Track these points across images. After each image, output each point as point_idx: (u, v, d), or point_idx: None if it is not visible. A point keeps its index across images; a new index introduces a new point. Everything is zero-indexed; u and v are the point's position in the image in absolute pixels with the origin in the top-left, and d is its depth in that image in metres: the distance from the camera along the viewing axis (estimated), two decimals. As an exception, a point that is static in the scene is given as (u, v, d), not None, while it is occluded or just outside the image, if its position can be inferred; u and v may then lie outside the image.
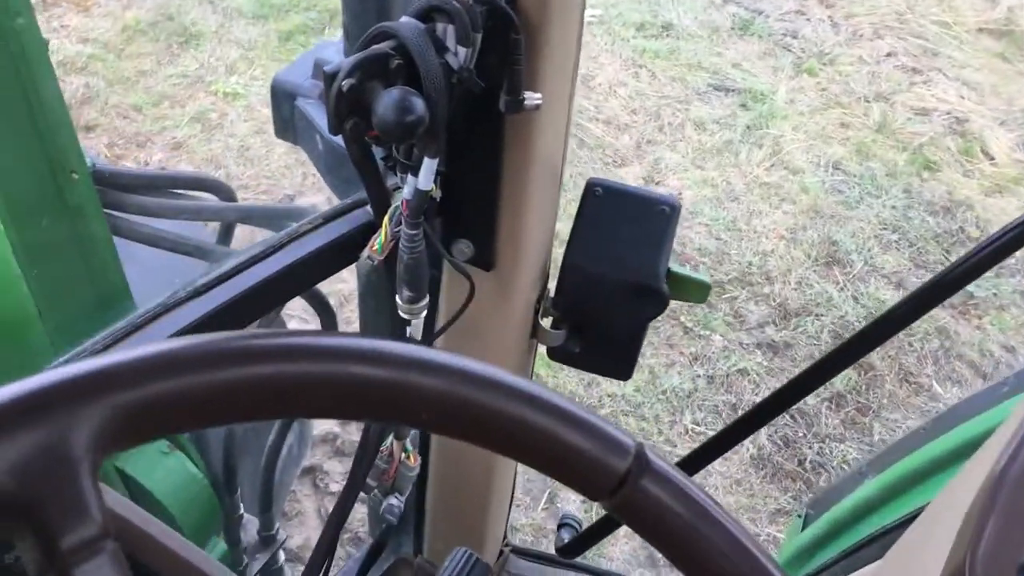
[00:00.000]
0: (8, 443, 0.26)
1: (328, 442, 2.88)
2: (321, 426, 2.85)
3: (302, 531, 2.53)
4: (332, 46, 1.10)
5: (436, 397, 0.33)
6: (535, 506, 2.74)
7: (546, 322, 1.02)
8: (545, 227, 0.97)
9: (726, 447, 1.10)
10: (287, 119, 1.09)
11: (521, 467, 2.83)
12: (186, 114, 3.88)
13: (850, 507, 1.26)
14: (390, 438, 1.03)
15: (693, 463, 1.11)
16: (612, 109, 3.95)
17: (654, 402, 2.95)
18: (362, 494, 1.06)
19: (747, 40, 4.36)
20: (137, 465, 1.13)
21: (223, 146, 3.75)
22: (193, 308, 0.76)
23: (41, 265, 0.98)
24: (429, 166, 0.76)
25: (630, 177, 3.64)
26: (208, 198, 1.15)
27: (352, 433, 2.80)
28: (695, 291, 0.99)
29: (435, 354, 0.33)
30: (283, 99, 1.09)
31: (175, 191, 1.11)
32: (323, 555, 1.11)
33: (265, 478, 1.32)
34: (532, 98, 0.78)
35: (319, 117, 1.05)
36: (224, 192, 1.15)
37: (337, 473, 2.76)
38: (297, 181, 3.54)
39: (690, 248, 3.34)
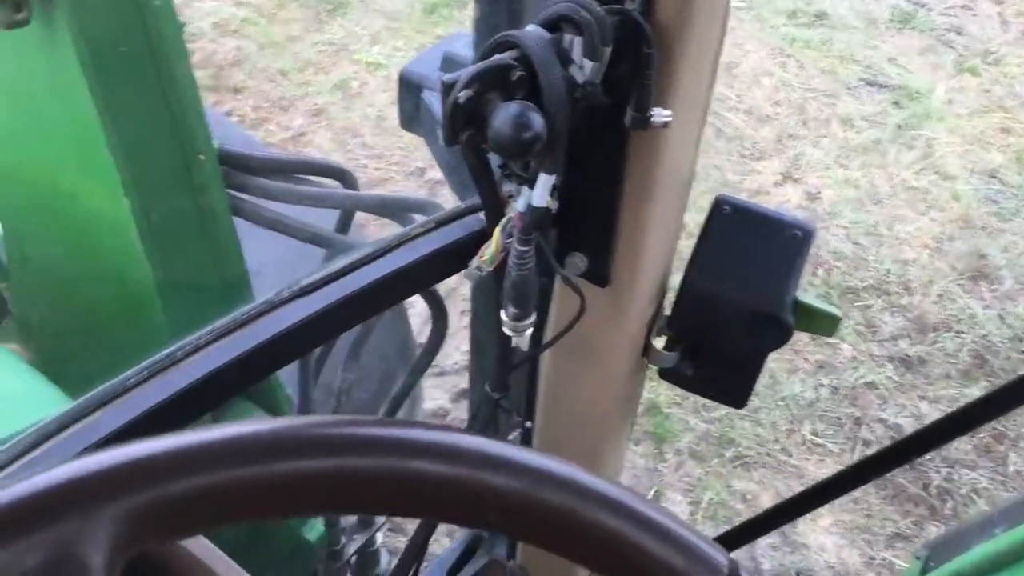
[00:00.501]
0: (20, 546, 0.23)
1: (439, 417, 2.91)
2: (433, 401, 2.88)
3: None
4: (463, 38, 1.08)
5: (506, 498, 0.30)
6: (640, 502, 2.70)
7: (659, 342, 0.98)
8: (666, 244, 0.93)
9: (813, 505, 1.03)
10: (412, 111, 1.08)
11: (627, 461, 2.79)
12: (329, 81, 3.96)
13: (976, 561, 1.17)
14: (489, 446, 1.01)
15: (771, 521, 1.05)
16: (754, 99, 3.81)
17: (772, 408, 2.84)
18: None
19: (906, 34, 4.12)
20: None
21: (361, 115, 3.81)
22: (298, 308, 0.76)
23: (162, 243, 0.99)
24: (545, 182, 0.72)
25: (767, 172, 3.50)
26: (332, 185, 1.15)
27: (464, 410, 2.81)
28: (823, 324, 0.93)
29: (506, 449, 0.30)
30: (410, 91, 1.08)
31: (299, 176, 1.12)
32: (415, 552, 1.10)
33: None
34: (661, 115, 0.73)
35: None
36: (348, 180, 1.15)
37: (445, 448, 2.77)
38: (429, 155, 3.56)
39: (825, 251, 3.19)
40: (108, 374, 0.70)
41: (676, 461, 2.77)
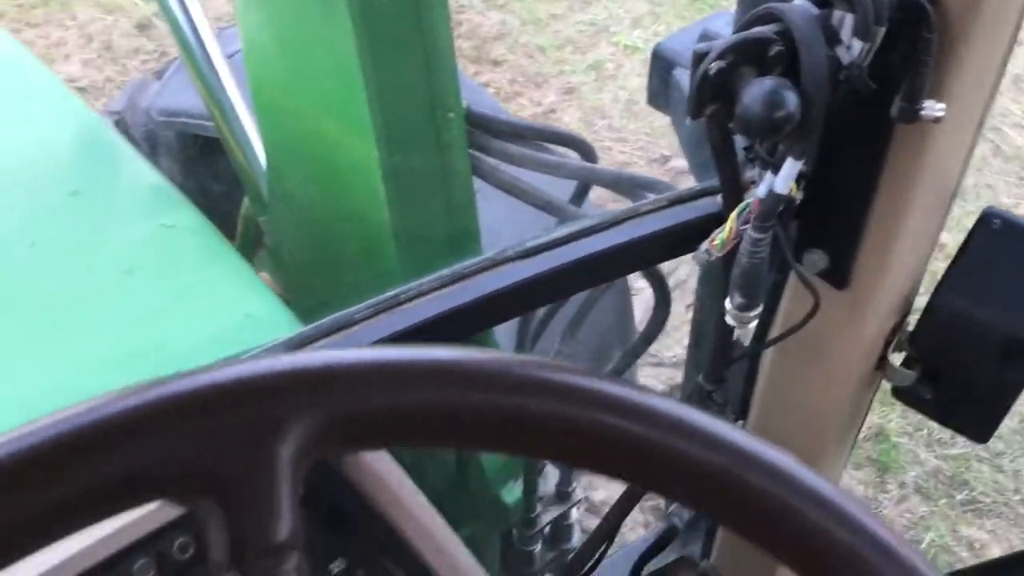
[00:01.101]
0: (215, 423, 0.24)
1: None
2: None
3: (611, 486, 2.55)
4: (724, 17, 1.04)
5: (694, 470, 0.28)
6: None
7: (896, 357, 0.90)
8: (919, 252, 0.85)
9: None
10: (660, 87, 1.06)
11: (844, 484, 2.63)
12: (585, 61, 3.99)
13: None
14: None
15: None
16: (1047, 118, 3.45)
17: (1018, 455, 2.59)
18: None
19: None
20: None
21: (612, 97, 3.81)
22: (520, 269, 0.76)
23: (404, 194, 1.03)
24: (791, 168, 0.68)
25: (1048, 198, 3.17)
26: (571, 155, 1.15)
27: (676, 404, 2.76)
28: (1095, 364, 0.82)
29: (707, 421, 0.28)
30: (661, 66, 1.06)
31: (539, 143, 1.12)
32: (606, 532, 1.09)
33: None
34: (933, 108, 0.67)
35: (694, 91, 1.00)
36: (587, 152, 1.14)
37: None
38: (675, 143, 3.50)
39: (1106, 292, 2.85)
40: (342, 308, 0.74)
41: (899, 494, 2.59)
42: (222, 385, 0.24)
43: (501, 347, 1.39)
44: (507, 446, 0.28)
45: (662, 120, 3.64)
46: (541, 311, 1.35)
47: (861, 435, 2.82)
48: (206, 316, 0.91)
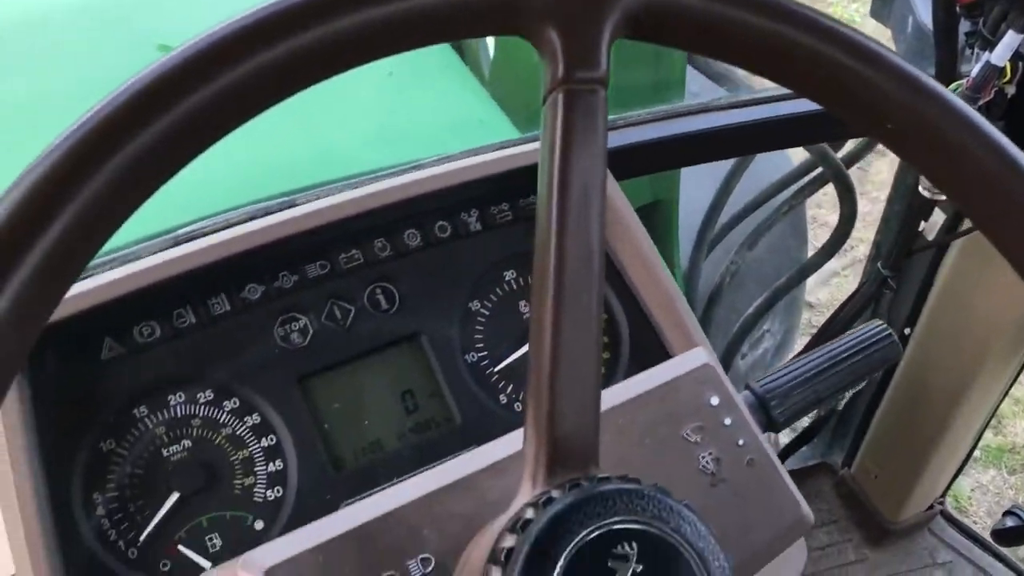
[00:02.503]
0: None
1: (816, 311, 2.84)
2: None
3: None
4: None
5: (907, 114, 0.34)
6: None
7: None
8: None
9: None
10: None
11: (1002, 478, 2.52)
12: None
13: None
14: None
15: None
16: None
17: None
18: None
19: None
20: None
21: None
22: (713, 117, 0.81)
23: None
24: (1012, 40, 0.71)
25: None
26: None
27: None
28: None
29: (926, 78, 0.34)
30: (891, -22, 1.07)
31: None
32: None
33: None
34: None
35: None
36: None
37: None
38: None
39: None
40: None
41: (1052, 505, 2.48)
42: None
43: (681, 252, 1.44)
44: (770, 71, 0.35)
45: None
46: (720, 223, 1.40)
47: (1021, 441, 2.71)
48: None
